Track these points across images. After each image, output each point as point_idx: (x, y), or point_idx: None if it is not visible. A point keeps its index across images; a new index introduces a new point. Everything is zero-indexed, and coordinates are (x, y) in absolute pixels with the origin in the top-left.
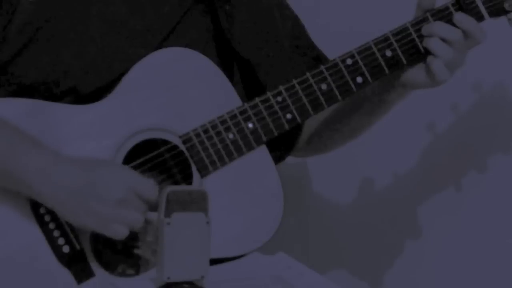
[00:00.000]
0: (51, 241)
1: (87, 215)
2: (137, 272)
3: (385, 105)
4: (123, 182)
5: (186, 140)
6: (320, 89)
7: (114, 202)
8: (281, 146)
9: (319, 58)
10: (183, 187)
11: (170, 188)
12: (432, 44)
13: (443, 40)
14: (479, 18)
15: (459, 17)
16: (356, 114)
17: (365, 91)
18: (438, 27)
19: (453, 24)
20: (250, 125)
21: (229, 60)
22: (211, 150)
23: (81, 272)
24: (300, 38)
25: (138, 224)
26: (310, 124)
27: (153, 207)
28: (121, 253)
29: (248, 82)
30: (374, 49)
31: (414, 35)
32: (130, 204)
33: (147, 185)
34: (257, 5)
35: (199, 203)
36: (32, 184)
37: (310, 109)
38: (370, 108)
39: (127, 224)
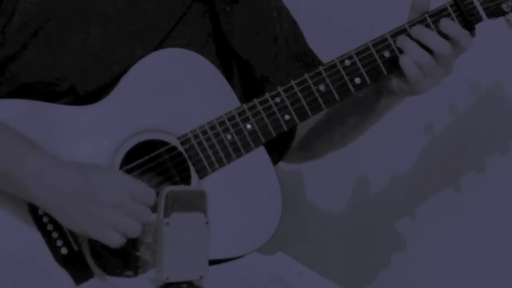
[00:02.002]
0: (50, 242)
1: (83, 219)
2: (136, 273)
3: (373, 113)
4: (120, 186)
5: (185, 141)
6: (318, 90)
7: (110, 205)
8: (273, 151)
9: (314, 63)
10: (182, 187)
11: (170, 188)
12: (405, 60)
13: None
14: (477, 19)
15: (445, 23)
16: (345, 121)
17: (353, 98)
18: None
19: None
20: (249, 126)
21: (228, 61)
22: (209, 151)
23: (80, 273)
24: (297, 42)
25: (133, 232)
26: (301, 130)
27: (152, 211)
28: (120, 254)
29: (247, 83)
30: (372, 50)
31: None
32: (127, 210)
33: (145, 190)
34: (257, 6)
35: (198, 203)
36: (28, 188)
37: (308, 110)
38: (359, 116)
39: (122, 231)
